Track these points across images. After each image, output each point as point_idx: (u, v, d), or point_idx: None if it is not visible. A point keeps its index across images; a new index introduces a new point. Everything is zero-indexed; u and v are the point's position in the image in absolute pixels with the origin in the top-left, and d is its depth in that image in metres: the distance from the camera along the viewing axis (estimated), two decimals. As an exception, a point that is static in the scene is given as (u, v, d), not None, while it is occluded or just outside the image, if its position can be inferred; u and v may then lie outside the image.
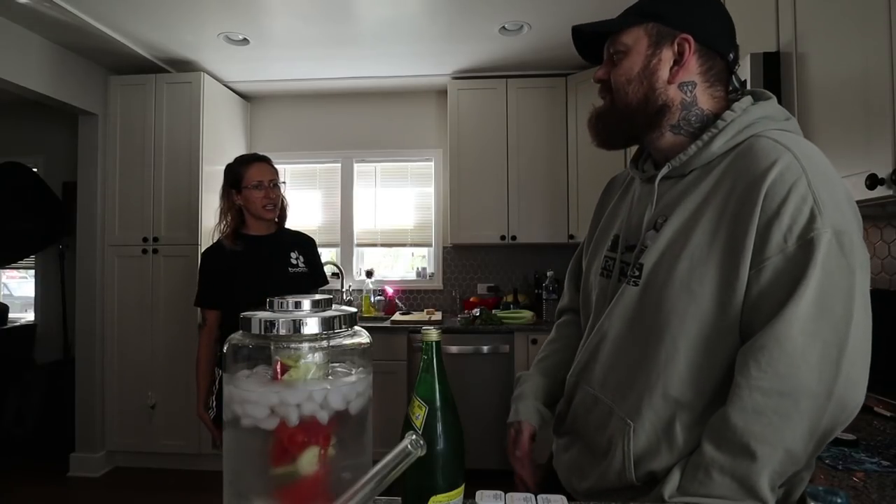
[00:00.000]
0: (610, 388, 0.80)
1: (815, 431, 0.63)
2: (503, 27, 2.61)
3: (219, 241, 1.78)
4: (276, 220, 1.85)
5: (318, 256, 1.94)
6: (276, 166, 1.88)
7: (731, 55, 0.78)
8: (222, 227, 1.78)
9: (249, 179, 1.74)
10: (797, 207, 0.63)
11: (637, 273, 0.77)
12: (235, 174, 1.77)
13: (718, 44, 0.76)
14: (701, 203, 0.72)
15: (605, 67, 0.81)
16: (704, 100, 0.77)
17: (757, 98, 0.76)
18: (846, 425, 0.66)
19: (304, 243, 1.90)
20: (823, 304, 0.62)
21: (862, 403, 0.65)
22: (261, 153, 1.88)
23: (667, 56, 0.75)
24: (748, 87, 1.32)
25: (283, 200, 1.86)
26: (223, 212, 1.78)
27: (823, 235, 0.62)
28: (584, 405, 0.85)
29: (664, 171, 0.78)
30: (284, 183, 1.90)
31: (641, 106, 0.77)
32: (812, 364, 0.62)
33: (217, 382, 1.77)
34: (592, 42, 0.84)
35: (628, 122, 0.79)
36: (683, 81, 0.76)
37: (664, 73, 0.76)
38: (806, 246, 0.62)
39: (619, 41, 0.78)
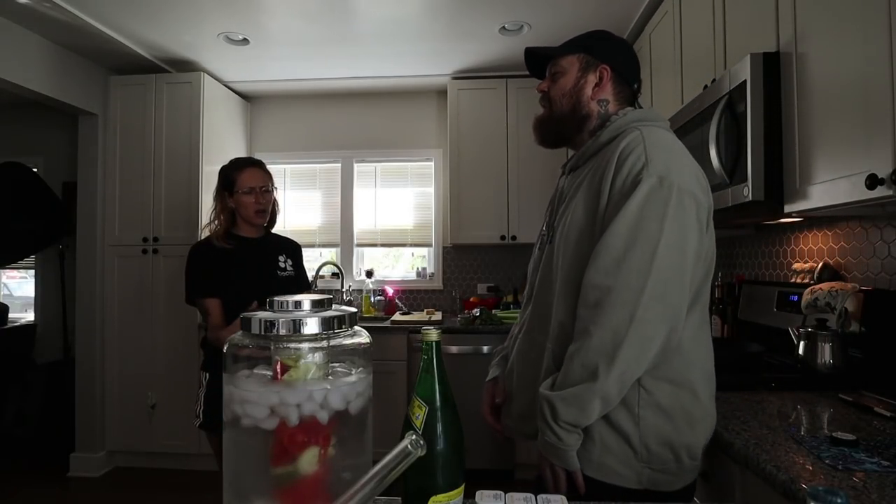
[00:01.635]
0: (536, 326, 1.03)
1: (634, 317, 0.81)
2: (503, 27, 2.61)
3: (208, 238, 1.78)
4: (265, 224, 1.86)
5: (302, 261, 1.97)
6: (276, 167, 1.89)
7: (636, 85, 1.06)
8: (214, 226, 1.78)
9: (241, 185, 1.75)
10: (633, 163, 0.88)
11: (552, 235, 1.03)
12: (229, 178, 1.78)
13: (627, 75, 1.04)
14: (587, 174, 0.98)
15: (547, 82, 1.07)
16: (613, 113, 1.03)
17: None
18: (674, 319, 0.84)
19: (291, 248, 1.93)
20: (640, 222, 0.84)
21: (681, 303, 0.85)
22: (256, 157, 1.88)
23: (591, 79, 1.02)
24: (748, 86, 1.32)
25: (275, 205, 1.87)
26: (216, 212, 1.79)
27: (648, 179, 0.85)
28: (520, 349, 1.07)
29: (571, 162, 1.06)
30: (276, 189, 1.88)
31: (571, 113, 1.03)
32: (631, 265, 0.83)
33: (205, 386, 1.74)
34: (538, 63, 1.11)
35: (561, 126, 1.05)
36: (600, 98, 1.03)
37: (588, 91, 1.02)
38: (634, 184, 0.86)
39: (559, 64, 1.05)
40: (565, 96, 1.03)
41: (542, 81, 1.08)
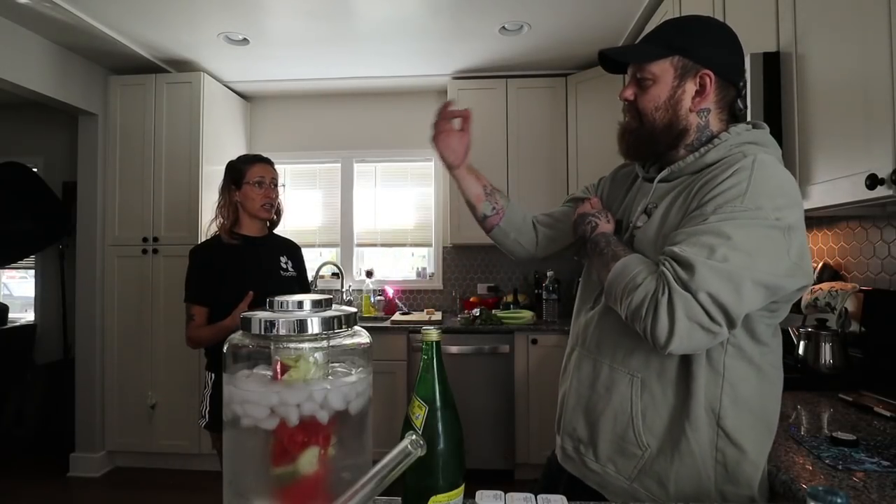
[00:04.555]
0: (604, 344, 0.90)
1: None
2: (503, 27, 2.61)
3: (214, 236, 1.78)
4: (269, 223, 1.86)
5: (304, 263, 1.96)
6: (276, 167, 1.88)
7: (742, 83, 0.89)
8: (218, 222, 1.78)
9: (250, 177, 1.75)
10: (732, 187, 0.75)
11: (629, 242, 0.89)
12: (238, 171, 1.78)
13: (732, 75, 0.87)
14: (681, 191, 0.85)
15: (631, 89, 0.90)
16: (714, 123, 0.88)
17: (753, 127, 0.87)
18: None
19: (293, 249, 1.92)
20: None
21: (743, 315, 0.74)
22: (262, 155, 1.89)
23: (690, 88, 0.86)
24: (747, 87, 1.32)
25: (279, 205, 1.87)
26: (221, 207, 1.78)
27: (746, 210, 0.73)
28: (582, 370, 0.93)
29: (663, 174, 0.89)
30: (283, 185, 1.87)
31: (666, 129, 0.87)
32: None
33: (210, 387, 1.73)
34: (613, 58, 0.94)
35: (654, 142, 0.89)
36: (701, 109, 0.87)
37: (687, 102, 0.86)
38: (723, 208, 0.74)
39: (648, 69, 0.87)
40: (659, 109, 0.87)
41: (625, 87, 0.91)
